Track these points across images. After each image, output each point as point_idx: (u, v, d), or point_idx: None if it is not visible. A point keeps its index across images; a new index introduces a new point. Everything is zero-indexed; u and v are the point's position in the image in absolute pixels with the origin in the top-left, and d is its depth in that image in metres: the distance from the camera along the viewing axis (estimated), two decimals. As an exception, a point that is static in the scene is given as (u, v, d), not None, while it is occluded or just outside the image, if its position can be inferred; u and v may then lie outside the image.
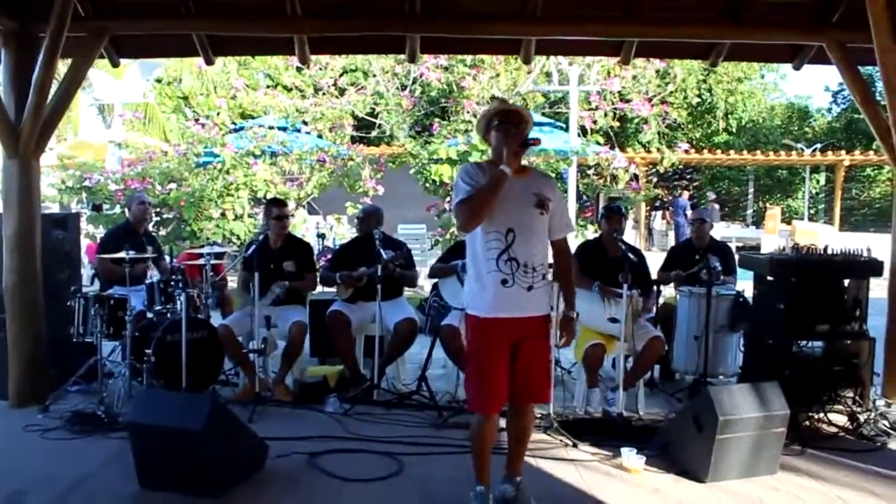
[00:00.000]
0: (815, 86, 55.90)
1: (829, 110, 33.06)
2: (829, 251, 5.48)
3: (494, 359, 3.55)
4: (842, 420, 5.21)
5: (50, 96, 5.49)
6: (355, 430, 5.09)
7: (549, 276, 3.72)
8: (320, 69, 12.96)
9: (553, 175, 11.73)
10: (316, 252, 10.01)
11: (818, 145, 25.86)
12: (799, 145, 26.07)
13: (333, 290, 6.37)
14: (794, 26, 5.98)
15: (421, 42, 6.23)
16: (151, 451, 3.95)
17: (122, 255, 6.01)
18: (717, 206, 22.02)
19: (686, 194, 21.62)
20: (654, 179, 19.61)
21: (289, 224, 6.38)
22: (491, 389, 3.56)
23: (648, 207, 22.58)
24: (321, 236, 12.43)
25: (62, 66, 5.98)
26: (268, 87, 16.09)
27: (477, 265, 3.57)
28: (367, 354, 6.23)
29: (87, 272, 9.62)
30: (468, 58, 12.41)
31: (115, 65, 6.69)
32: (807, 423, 5.15)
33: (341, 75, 13.47)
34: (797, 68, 6.56)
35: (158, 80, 21.29)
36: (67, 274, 6.27)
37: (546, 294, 3.66)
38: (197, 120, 13.89)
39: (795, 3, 5.99)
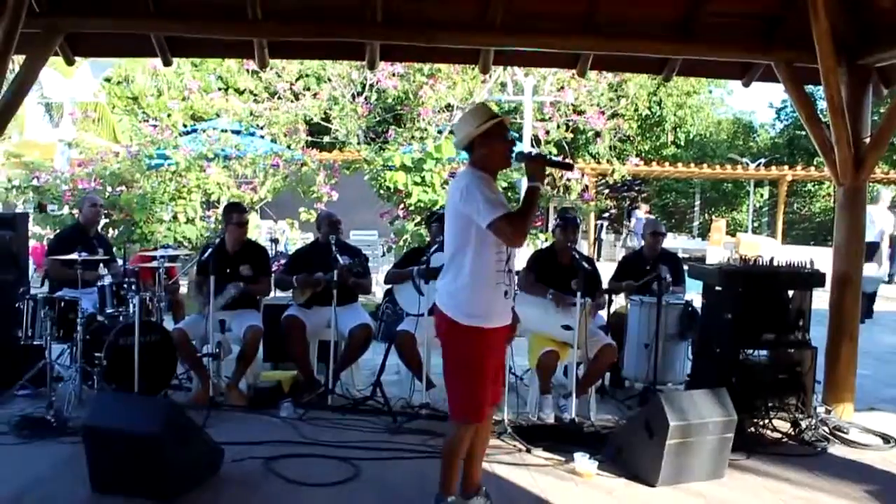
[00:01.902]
0: (760, 102, 57.42)
1: (773, 126, 33.94)
2: (775, 263, 5.66)
3: (492, 368, 3.60)
4: (785, 426, 5.38)
5: (1, 93, 5.39)
6: (310, 435, 5.09)
7: None
8: (277, 74, 12.90)
9: (507, 184, 11.88)
10: (271, 257, 9.96)
11: (762, 160, 26.52)
12: (744, 160, 26.70)
13: (288, 294, 6.36)
14: (745, 45, 6.16)
15: (381, 50, 6.26)
16: (106, 455, 3.90)
17: (73, 256, 5.91)
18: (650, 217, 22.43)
19: (644, 207, 21.93)
20: (605, 191, 19.89)
21: (247, 230, 6.35)
22: (485, 398, 3.59)
23: (597, 219, 22.90)
24: (274, 241, 12.36)
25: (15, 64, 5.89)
26: (219, 89, 15.95)
27: (483, 277, 3.52)
28: (322, 359, 6.23)
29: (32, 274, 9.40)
30: (425, 67, 12.48)
31: (70, 63, 6.58)
32: (752, 429, 5.30)
33: (297, 80, 13.42)
34: (746, 85, 6.76)
35: (108, 80, 20.93)
36: (14, 275, 6.13)
37: None
38: (148, 121, 13.70)
39: (746, 22, 6.17)
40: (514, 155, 3.65)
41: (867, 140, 5.86)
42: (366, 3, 5.73)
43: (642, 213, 20.88)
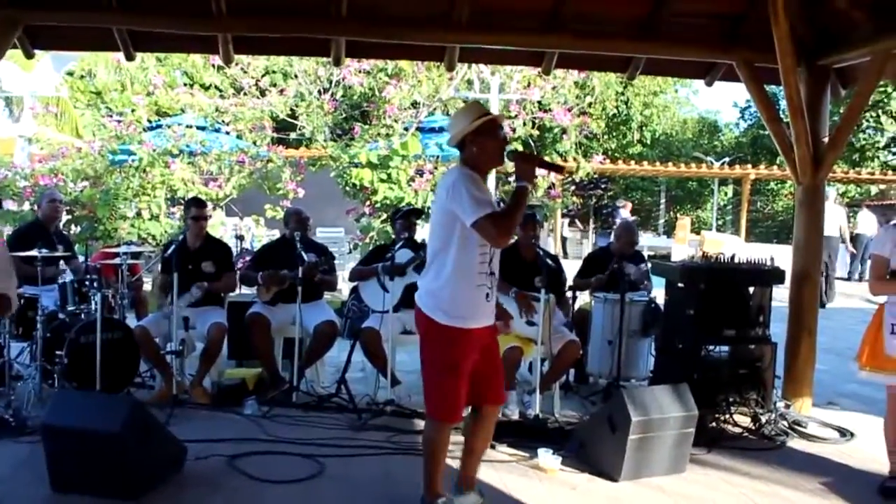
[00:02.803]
0: (725, 101, 58.14)
1: (737, 125, 34.33)
2: (736, 260, 5.75)
3: (468, 368, 3.57)
4: (745, 421, 5.47)
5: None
6: (274, 433, 5.06)
7: None
8: (242, 70, 12.80)
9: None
10: (234, 254, 9.88)
11: (726, 159, 26.82)
12: (708, 158, 26.98)
13: (253, 291, 6.32)
14: (707, 44, 6.24)
15: (346, 46, 6.24)
16: (66, 454, 3.85)
17: (34, 252, 5.83)
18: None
19: (628, 206, 22.03)
20: (571, 188, 19.98)
21: (206, 225, 6.30)
22: (461, 398, 3.58)
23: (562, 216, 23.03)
24: (239, 238, 12.26)
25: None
26: (185, 84, 15.77)
27: (465, 277, 3.50)
28: (287, 357, 6.20)
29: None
30: (389, 66, 12.46)
31: (30, 56, 6.48)
32: (713, 423, 5.38)
33: (263, 76, 13.32)
34: (709, 84, 6.84)
35: (70, 74, 20.60)
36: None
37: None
38: (112, 116, 13.52)
39: (709, 22, 6.25)
40: (506, 154, 3.62)
41: (826, 139, 5.98)
42: (331, -2, 5.71)
43: (626, 211, 20.98)
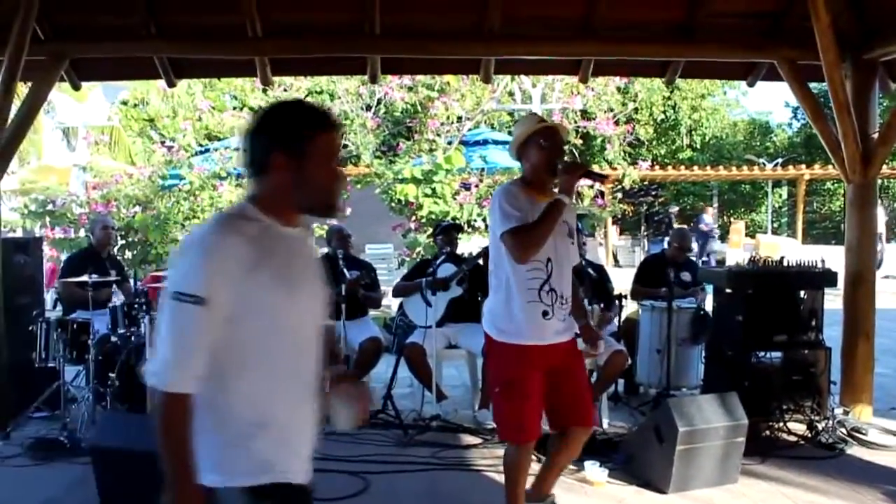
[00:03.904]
0: (776, 101, 57.05)
1: (790, 125, 33.62)
2: (785, 263, 5.60)
3: (530, 386, 3.45)
4: (801, 429, 5.31)
5: (9, 121, 5.46)
6: (321, 450, 4.99)
7: None
8: (285, 90, 12.98)
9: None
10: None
11: (779, 160, 26.26)
12: (761, 160, 26.45)
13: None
14: (746, 44, 6.12)
15: (382, 63, 6.29)
16: (114, 474, 3.91)
17: (84, 278, 5.96)
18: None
19: (710, 210, 21.77)
20: (619, 196, 19.78)
21: None
22: (527, 418, 3.48)
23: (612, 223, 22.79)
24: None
25: (23, 90, 5.97)
26: (234, 108, 16.06)
27: (517, 294, 3.43)
28: (334, 374, 6.22)
29: (50, 296, 9.51)
30: (435, 82, 12.50)
31: (77, 88, 6.67)
32: (767, 432, 5.23)
33: (307, 96, 13.49)
34: (751, 85, 6.72)
35: (124, 103, 21.16)
36: (29, 298, 6.20)
37: (572, 320, 3.63)
38: (163, 143, 13.81)
39: (747, 21, 6.14)
40: (558, 165, 3.48)
41: (875, 136, 5.80)
42: (364, 16, 5.76)
43: (709, 216, 20.70)
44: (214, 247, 1.81)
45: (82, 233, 11.33)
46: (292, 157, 1.87)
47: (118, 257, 9.46)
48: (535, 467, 3.95)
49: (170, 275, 1.86)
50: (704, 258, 18.09)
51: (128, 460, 3.83)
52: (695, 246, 19.52)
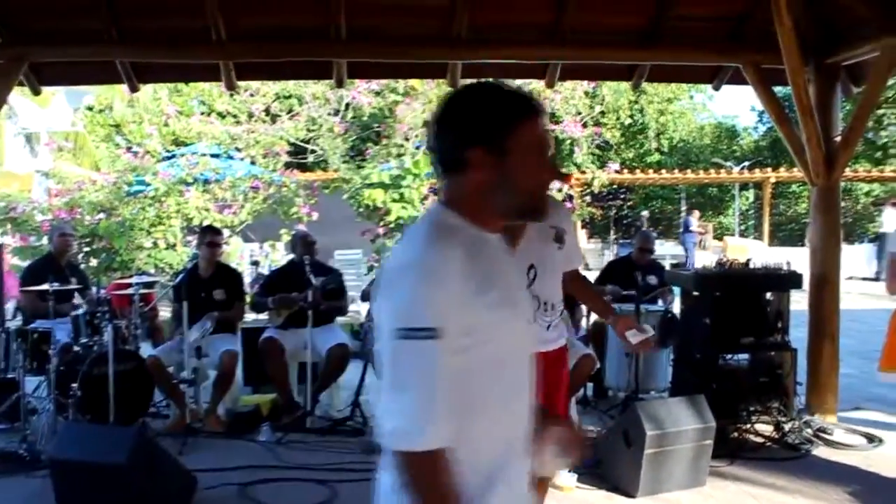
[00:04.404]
0: (742, 106, 57.69)
1: (756, 129, 34.07)
2: (752, 265, 5.63)
3: None
4: (768, 430, 5.34)
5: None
6: (288, 459, 5.02)
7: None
8: (251, 95, 12.87)
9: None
10: (251, 279, 9.88)
11: (746, 163, 26.61)
12: (728, 163, 26.80)
13: (266, 317, 6.30)
14: (711, 48, 6.16)
15: (348, 67, 6.24)
16: (74, 487, 3.84)
17: (45, 287, 5.85)
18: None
19: (696, 213, 21.90)
20: (588, 199, 19.88)
21: (220, 252, 6.29)
22: None
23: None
24: (255, 263, 12.28)
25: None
26: (202, 113, 15.88)
27: None
28: (302, 381, 6.16)
29: (11, 306, 9.32)
30: (401, 86, 12.46)
31: (37, 92, 6.54)
32: (734, 434, 5.25)
33: (274, 101, 13.38)
34: (716, 88, 6.77)
35: (90, 108, 20.84)
36: (-12, 308, 6.08)
37: (563, 327, 3.46)
38: (129, 149, 13.62)
39: (712, 25, 6.18)
40: None
41: (838, 139, 5.86)
42: (330, 21, 5.70)
43: (695, 219, 20.82)
44: (436, 265, 1.51)
45: (45, 240, 11.13)
46: (492, 154, 1.58)
47: (80, 265, 9.32)
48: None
49: (385, 311, 1.53)
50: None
51: (87, 473, 3.76)
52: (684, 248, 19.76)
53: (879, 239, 16.61)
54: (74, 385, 5.40)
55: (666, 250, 20.82)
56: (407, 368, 1.47)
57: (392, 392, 1.48)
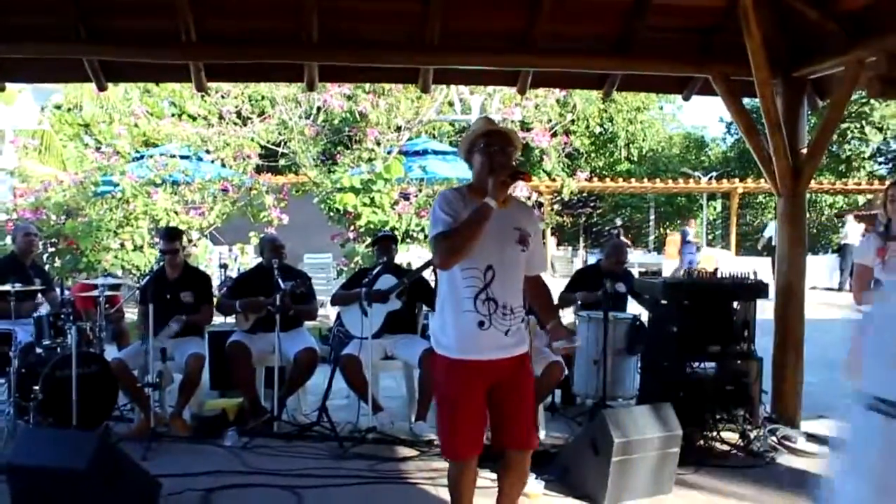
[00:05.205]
0: (711, 117, 58.35)
1: (724, 140, 34.50)
2: (719, 275, 5.69)
3: (467, 402, 3.25)
4: (733, 438, 5.38)
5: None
6: (253, 464, 4.97)
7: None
8: (223, 97, 12.76)
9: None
10: (219, 282, 9.79)
11: (714, 173, 26.92)
12: (696, 173, 27.06)
13: (233, 320, 6.24)
14: (682, 59, 6.22)
15: (319, 70, 6.21)
16: (31, 494, 3.75)
17: (6, 287, 5.74)
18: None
19: (693, 222, 21.99)
20: (558, 207, 19.99)
21: (179, 257, 6.18)
22: (462, 435, 3.28)
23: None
24: (223, 266, 12.17)
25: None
26: (173, 114, 15.72)
27: (451, 303, 3.26)
28: (269, 386, 6.11)
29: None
30: (367, 84, 12.43)
31: (1, 89, 6.44)
32: (700, 442, 5.29)
33: (244, 103, 13.28)
34: (686, 99, 6.84)
35: (58, 107, 20.54)
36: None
37: (524, 333, 3.37)
38: (98, 148, 13.43)
39: (683, 36, 6.24)
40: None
41: (804, 151, 5.94)
42: (302, 24, 5.68)
43: (692, 229, 20.90)
44: None
45: (8, 240, 10.94)
46: None
47: (44, 265, 9.17)
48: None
49: None
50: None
51: (45, 479, 3.68)
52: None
53: (842, 250, 16.87)
54: (36, 388, 5.31)
55: (635, 258, 20.96)
56: None
57: None
